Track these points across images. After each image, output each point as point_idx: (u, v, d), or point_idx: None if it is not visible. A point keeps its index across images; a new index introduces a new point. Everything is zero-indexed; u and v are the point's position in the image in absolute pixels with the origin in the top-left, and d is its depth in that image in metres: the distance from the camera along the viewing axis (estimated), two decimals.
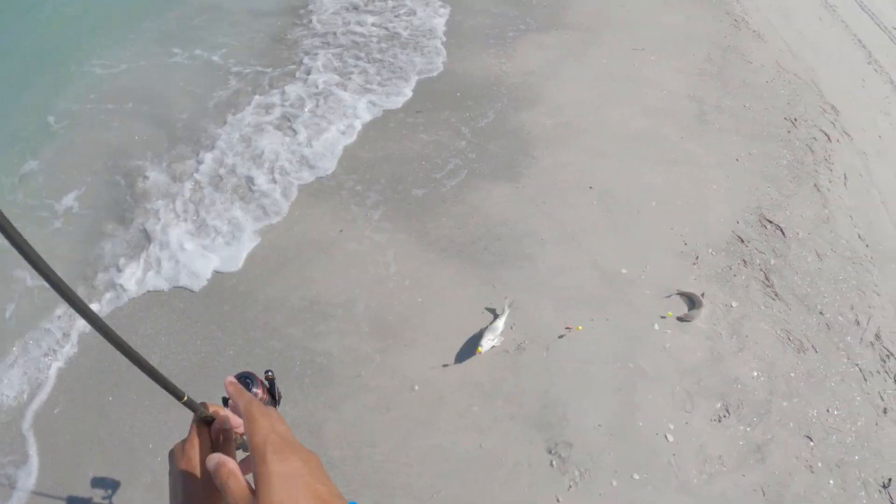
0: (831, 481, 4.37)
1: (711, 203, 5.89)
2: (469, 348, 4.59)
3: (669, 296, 5.08)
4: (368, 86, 7.33)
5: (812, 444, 4.51)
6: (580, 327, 4.69)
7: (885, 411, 4.88)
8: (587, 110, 6.82)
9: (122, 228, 5.78)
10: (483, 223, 5.63)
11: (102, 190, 6.15)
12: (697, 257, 5.38)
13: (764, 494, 4.19)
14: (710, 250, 5.46)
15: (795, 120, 7.24)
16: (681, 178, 6.09)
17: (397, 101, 7.07)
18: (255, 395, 1.51)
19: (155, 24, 8.67)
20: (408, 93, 7.16)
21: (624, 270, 5.20)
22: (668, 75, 7.53)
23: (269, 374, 1.59)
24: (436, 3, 8.98)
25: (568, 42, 8.02)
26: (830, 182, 6.60)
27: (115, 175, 6.27)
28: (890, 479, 4.50)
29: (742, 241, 5.60)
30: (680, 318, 4.89)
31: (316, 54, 7.87)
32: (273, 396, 1.58)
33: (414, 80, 7.37)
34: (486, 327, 4.56)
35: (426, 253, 5.34)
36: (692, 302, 5.05)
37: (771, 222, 5.84)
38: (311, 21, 8.68)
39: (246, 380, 1.54)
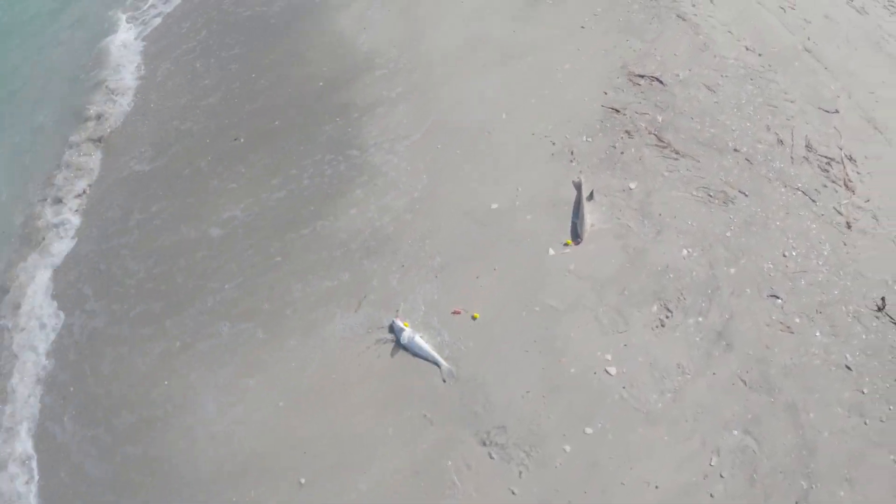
0: (817, 333, 3.50)
1: (568, 85, 4.93)
2: None
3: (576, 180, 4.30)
4: None
5: (780, 300, 3.62)
6: (476, 314, 3.78)
7: (848, 226, 4.01)
8: (406, 50, 5.80)
9: None
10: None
11: None
12: (572, 152, 4.42)
13: (746, 384, 3.32)
14: (584, 138, 4.51)
15: None
16: (525, 73, 5.12)
17: None
18: None
19: None
20: None
21: (494, 205, 4.23)
22: None
23: None
24: None
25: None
26: (694, 5, 5.67)
27: None
28: (883, 298, 3.63)
29: (617, 111, 4.65)
30: (577, 242, 3.98)
31: None
32: None
33: None
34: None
35: None
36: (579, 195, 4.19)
37: (643, 76, 4.91)
38: None
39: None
